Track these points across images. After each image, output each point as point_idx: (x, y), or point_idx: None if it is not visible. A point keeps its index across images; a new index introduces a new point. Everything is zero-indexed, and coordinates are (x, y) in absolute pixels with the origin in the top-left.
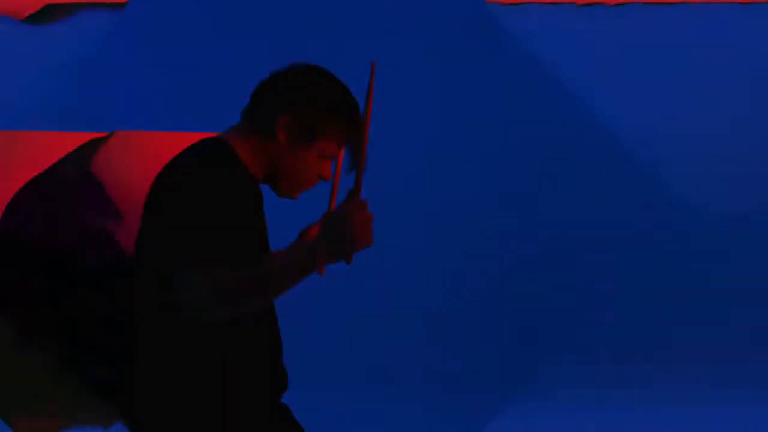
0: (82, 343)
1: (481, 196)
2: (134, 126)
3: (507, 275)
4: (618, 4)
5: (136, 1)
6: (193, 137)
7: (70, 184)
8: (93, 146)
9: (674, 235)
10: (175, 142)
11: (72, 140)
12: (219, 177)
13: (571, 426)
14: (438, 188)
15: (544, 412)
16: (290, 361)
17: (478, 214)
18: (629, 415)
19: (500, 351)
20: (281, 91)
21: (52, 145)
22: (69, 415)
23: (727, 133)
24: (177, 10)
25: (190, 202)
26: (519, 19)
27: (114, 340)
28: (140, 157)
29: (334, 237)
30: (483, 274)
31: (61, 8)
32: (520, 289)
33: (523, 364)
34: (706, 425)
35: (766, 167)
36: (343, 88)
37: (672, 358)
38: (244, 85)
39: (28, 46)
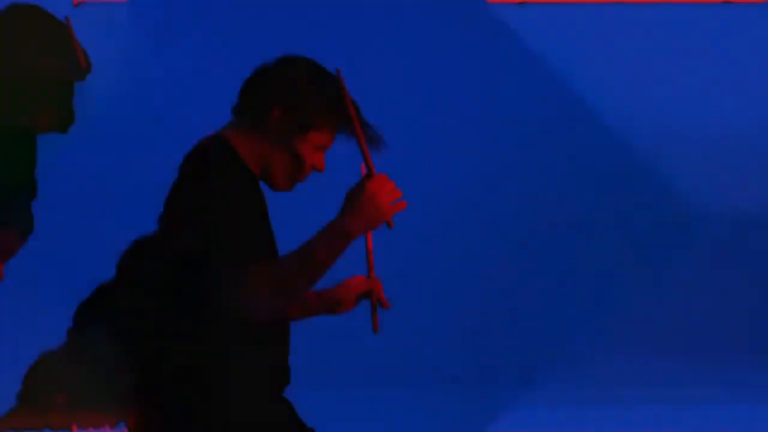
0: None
1: (481, 195)
2: (135, 125)
3: (507, 274)
4: (619, 4)
5: None
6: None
7: None
8: None
9: (675, 235)
10: None
11: None
12: (228, 176)
13: (572, 426)
14: (438, 188)
15: (544, 412)
16: (291, 359)
17: (478, 213)
18: (629, 415)
19: (500, 351)
20: (271, 84)
21: None
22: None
23: (727, 133)
24: (181, 7)
25: (207, 203)
26: (519, 19)
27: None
28: None
29: (354, 204)
30: (483, 272)
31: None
32: (521, 289)
33: (523, 364)
34: (707, 425)
35: (766, 167)
36: (331, 79)
37: (672, 358)
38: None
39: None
